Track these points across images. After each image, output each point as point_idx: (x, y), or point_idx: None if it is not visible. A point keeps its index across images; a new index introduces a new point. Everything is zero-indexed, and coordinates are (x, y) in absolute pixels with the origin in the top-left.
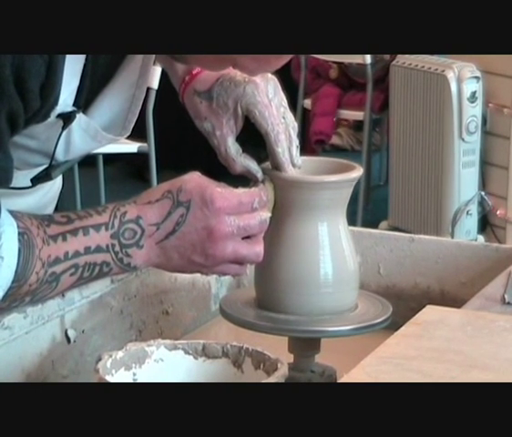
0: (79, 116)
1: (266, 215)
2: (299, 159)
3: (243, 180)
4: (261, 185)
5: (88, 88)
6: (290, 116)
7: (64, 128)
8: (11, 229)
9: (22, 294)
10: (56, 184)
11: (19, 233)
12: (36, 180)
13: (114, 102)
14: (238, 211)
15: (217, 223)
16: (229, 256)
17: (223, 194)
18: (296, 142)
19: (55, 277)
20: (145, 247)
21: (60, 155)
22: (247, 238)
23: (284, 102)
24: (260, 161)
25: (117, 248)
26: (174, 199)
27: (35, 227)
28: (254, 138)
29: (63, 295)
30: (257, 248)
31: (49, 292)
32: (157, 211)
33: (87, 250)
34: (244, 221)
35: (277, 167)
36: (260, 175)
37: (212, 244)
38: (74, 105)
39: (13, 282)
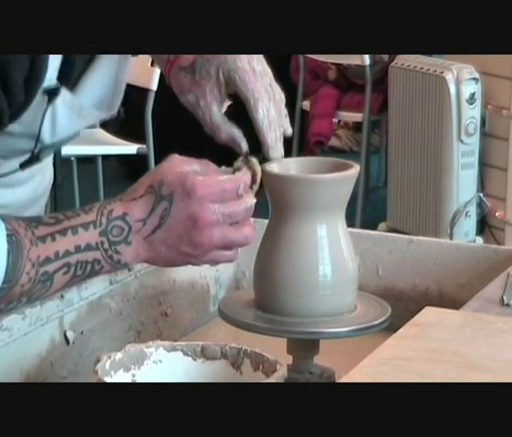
0: (64, 93)
1: (251, 201)
2: (289, 128)
3: None
4: (245, 169)
5: (73, 65)
6: (276, 86)
7: (49, 104)
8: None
9: (16, 295)
10: (46, 178)
11: (7, 235)
12: (25, 164)
13: (99, 80)
14: (221, 198)
15: (200, 211)
16: (217, 243)
17: (205, 181)
18: (285, 111)
19: (47, 276)
20: (133, 243)
21: (46, 136)
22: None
23: (270, 74)
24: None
25: (107, 246)
26: (157, 194)
27: (23, 228)
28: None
29: (62, 296)
30: (245, 231)
31: (45, 291)
32: (142, 207)
33: (78, 249)
34: (229, 208)
35: (257, 134)
36: (244, 144)
37: (199, 232)
38: (58, 80)
39: (3, 283)
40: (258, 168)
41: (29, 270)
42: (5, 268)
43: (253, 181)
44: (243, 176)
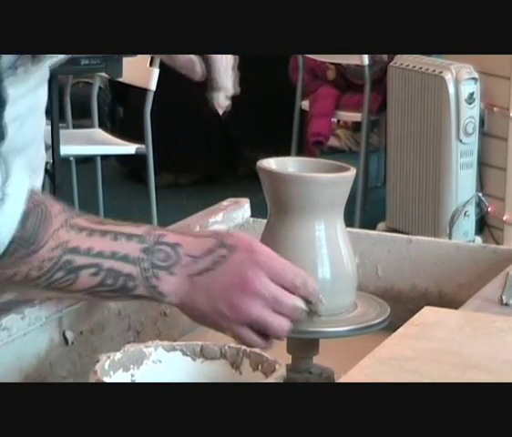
0: None
1: (301, 304)
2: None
3: (242, 184)
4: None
5: None
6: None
7: None
8: (22, 179)
9: (35, 268)
10: None
11: (34, 204)
12: None
13: None
14: (278, 277)
15: (253, 277)
16: (254, 316)
17: (272, 254)
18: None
19: (72, 268)
20: (176, 276)
21: None
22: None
23: None
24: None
25: (147, 265)
26: (219, 240)
27: (57, 209)
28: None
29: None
30: (283, 323)
31: (67, 285)
32: (199, 245)
33: (113, 255)
34: (279, 294)
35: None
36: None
37: (242, 295)
38: None
39: (18, 232)
40: (318, 308)
41: (53, 248)
42: (23, 209)
43: (308, 302)
44: (309, 278)
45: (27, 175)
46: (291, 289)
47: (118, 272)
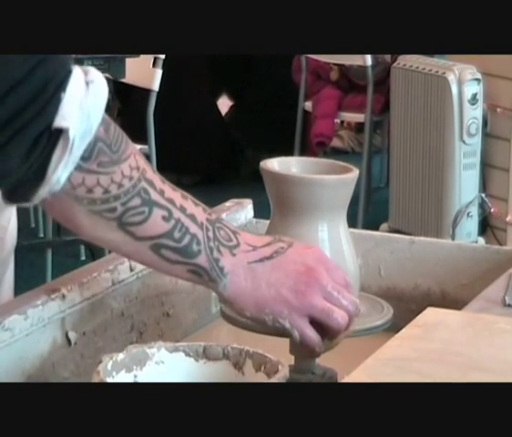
0: None
1: (358, 302)
2: None
3: (245, 185)
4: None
5: None
6: None
7: None
8: (101, 75)
9: (115, 183)
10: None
11: (110, 121)
12: None
13: None
14: (333, 273)
15: (316, 267)
16: (318, 305)
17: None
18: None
19: (148, 200)
20: (237, 257)
21: None
22: None
23: None
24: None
25: (211, 235)
26: (276, 238)
27: (132, 144)
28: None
29: (64, 296)
30: (345, 317)
31: (140, 220)
32: (256, 238)
33: (183, 209)
34: (340, 288)
35: None
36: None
37: (308, 280)
38: None
39: (102, 133)
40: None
41: (132, 168)
42: (102, 123)
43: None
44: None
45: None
46: (344, 288)
47: (187, 228)
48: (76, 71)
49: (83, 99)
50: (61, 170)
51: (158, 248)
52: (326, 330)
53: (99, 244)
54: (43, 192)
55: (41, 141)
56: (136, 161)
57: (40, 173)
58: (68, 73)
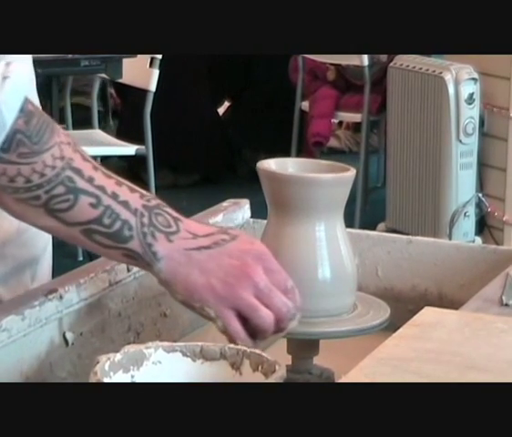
0: None
1: (291, 306)
2: None
3: (242, 185)
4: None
5: None
6: None
7: None
8: (23, 68)
9: (37, 173)
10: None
11: (39, 109)
12: None
13: None
14: (272, 274)
15: (252, 263)
16: (245, 300)
17: (269, 252)
18: None
19: (73, 188)
20: (173, 243)
21: None
22: None
23: None
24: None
25: (146, 221)
26: (222, 229)
27: (64, 134)
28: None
29: (61, 296)
30: (271, 318)
31: (65, 207)
32: (200, 227)
33: (115, 196)
34: (273, 288)
35: None
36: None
37: (240, 274)
38: None
39: (22, 126)
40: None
41: (55, 158)
42: (20, 114)
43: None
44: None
45: (29, 70)
46: (282, 291)
47: (117, 214)
48: None
49: None
50: None
51: (90, 233)
52: (253, 328)
53: (41, 229)
54: None
55: None
56: (60, 151)
57: None
58: None
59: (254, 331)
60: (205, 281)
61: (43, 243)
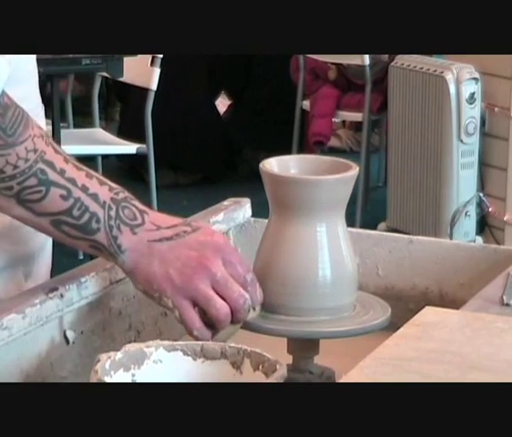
0: None
1: (247, 298)
2: None
3: (243, 184)
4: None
5: None
6: None
7: None
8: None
9: (10, 164)
10: None
11: (15, 104)
12: None
13: None
14: (231, 266)
15: (210, 255)
16: (201, 290)
17: (231, 245)
18: None
19: (45, 180)
20: (137, 236)
21: None
22: None
23: None
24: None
25: (113, 214)
26: (186, 221)
27: (37, 127)
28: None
29: (61, 295)
30: (226, 309)
31: (37, 199)
32: (165, 219)
33: (85, 189)
34: (229, 279)
35: None
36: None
37: (194, 267)
38: None
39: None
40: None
41: (28, 151)
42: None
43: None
44: (257, 284)
45: (7, 64)
46: (241, 283)
47: (86, 207)
48: None
49: None
50: None
51: (59, 224)
52: (210, 318)
53: (16, 219)
54: None
55: None
56: (33, 144)
57: None
58: None
59: (211, 322)
60: (163, 272)
61: (39, 242)
